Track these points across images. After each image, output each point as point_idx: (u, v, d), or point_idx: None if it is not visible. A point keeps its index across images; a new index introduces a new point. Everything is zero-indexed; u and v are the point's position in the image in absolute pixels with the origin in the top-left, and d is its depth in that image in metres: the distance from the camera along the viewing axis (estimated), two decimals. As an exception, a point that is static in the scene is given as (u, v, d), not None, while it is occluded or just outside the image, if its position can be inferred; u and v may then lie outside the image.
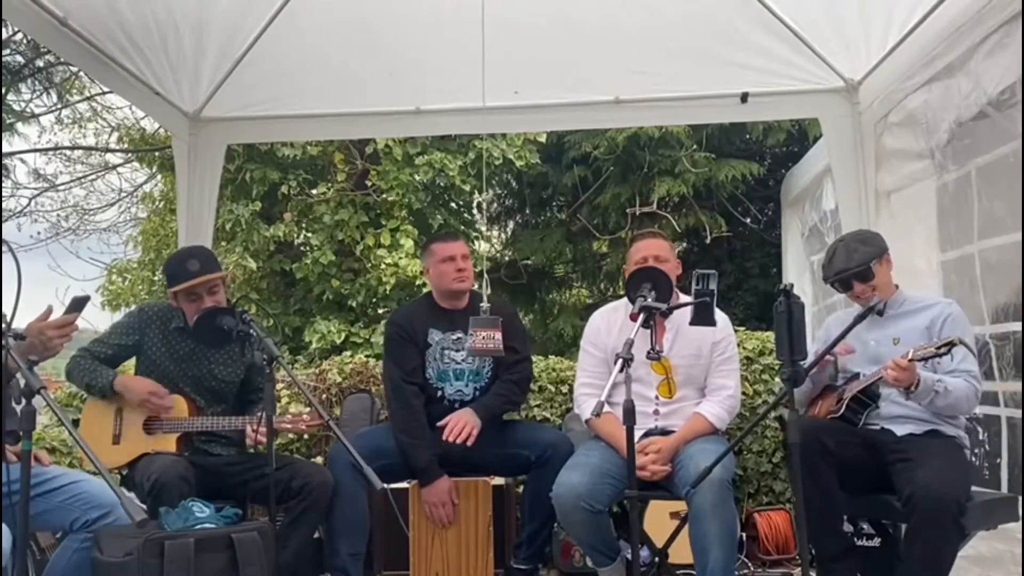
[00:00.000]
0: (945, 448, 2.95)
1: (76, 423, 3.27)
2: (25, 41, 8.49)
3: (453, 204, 9.10)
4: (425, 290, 3.83)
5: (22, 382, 2.14)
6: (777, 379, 4.59)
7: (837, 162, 4.27)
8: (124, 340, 3.42)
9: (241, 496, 3.35)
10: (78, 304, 2.55)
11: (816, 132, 6.42)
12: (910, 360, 2.82)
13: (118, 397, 3.34)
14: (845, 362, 3.18)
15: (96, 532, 2.70)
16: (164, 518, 2.77)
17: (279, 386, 4.64)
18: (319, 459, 4.42)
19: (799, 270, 6.64)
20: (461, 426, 3.39)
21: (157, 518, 2.79)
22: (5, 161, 9.84)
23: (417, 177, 8.13)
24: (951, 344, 2.76)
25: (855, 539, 3.36)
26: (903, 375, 2.84)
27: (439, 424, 3.44)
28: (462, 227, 8.82)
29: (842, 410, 3.08)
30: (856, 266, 3.13)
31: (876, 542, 3.36)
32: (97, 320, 10.50)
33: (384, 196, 8.21)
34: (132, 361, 3.56)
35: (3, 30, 7.59)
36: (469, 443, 3.38)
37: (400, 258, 8.03)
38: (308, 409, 3.31)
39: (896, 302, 3.19)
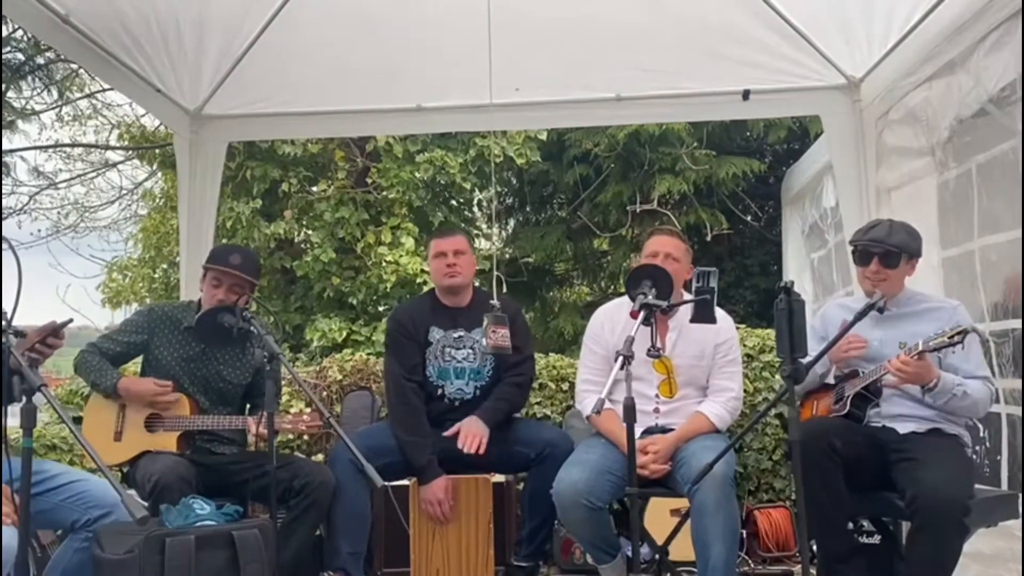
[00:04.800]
0: (948, 447, 2.94)
1: (77, 420, 3.28)
2: (26, 38, 8.49)
3: (454, 202, 9.10)
4: (427, 287, 3.83)
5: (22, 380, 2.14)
6: (777, 376, 4.59)
7: (838, 159, 4.27)
8: (133, 338, 3.45)
9: (242, 494, 3.34)
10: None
11: (817, 129, 6.42)
12: (921, 352, 2.79)
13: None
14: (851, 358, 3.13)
15: (97, 530, 2.70)
16: (165, 515, 2.78)
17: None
18: (320, 456, 4.42)
19: (800, 267, 6.64)
20: (472, 436, 3.39)
21: (158, 515, 2.79)
22: (5, 158, 9.84)
23: (418, 175, 8.12)
24: (964, 332, 2.72)
25: (856, 536, 3.36)
26: (908, 373, 2.83)
27: (447, 433, 3.44)
28: (463, 224, 8.82)
29: (847, 408, 3.06)
30: (891, 245, 3.00)
31: (876, 539, 3.36)
32: (97, 318, 10.54)
33: (385, 194, 8.21)
34: (138, 360, 3.57)
35: (4, 27, 7.59)
36: (480, 451, 3.39)
37: (401, 256, 8.03)
38: (309, 409, 3.31)
39: (902, 300, 3.10)
